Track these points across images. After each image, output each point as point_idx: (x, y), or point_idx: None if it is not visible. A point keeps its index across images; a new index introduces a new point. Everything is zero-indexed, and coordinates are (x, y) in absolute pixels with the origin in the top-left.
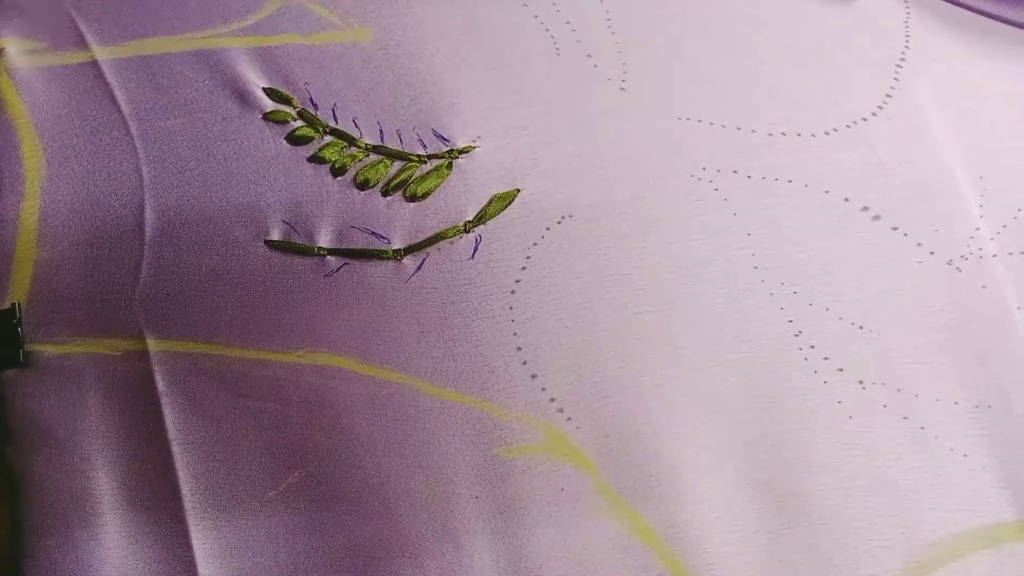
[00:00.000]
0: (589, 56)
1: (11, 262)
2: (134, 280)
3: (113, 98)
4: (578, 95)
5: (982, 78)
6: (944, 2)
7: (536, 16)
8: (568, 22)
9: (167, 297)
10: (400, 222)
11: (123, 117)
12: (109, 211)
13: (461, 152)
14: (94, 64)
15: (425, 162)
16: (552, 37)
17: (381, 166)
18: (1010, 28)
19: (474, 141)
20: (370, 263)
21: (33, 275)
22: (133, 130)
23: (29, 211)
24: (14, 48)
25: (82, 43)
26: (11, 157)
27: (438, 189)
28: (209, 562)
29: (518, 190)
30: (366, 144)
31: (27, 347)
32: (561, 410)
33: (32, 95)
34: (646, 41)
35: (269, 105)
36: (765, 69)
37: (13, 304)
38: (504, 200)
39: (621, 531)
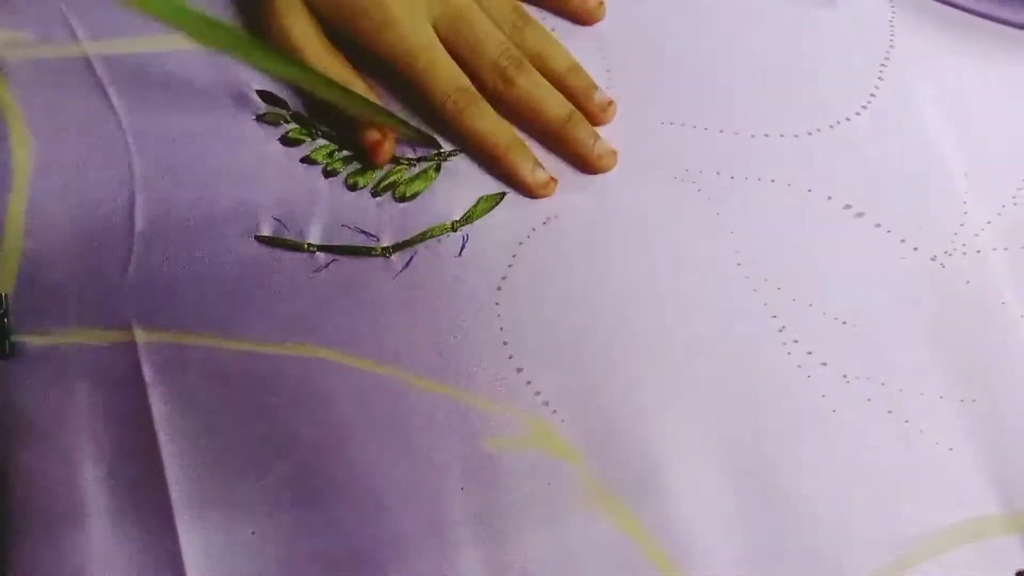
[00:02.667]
0: None
1: None
2: (122, 272)
3: (105, 93)
4: None
5: (967, 76)
6: (930, 0)
7: None
8: (553, 29)
9: (155, 289)
10: (389, 221)
11: (115, 111)
12: (98, 203)
13: (450, 155)
14: (85, 59)
15: (414, 164)
16: None
17: (371, 170)
18: (996, 25)
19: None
20: (359, 259)
21: (20, 266)
22: (124, 124)
23: (17, 202)
24: (2, 40)
25: (73, 37)
26: None
27: (426, 190)
28: (195, 551)
29: (504, 192)
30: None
31: (13, 338)
32: (547, 403)
33: (21, 86)
34: (630, 45)
35: (262, 107)
36: (749, 71)
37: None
38: (491, 201)
39: (606, 523)
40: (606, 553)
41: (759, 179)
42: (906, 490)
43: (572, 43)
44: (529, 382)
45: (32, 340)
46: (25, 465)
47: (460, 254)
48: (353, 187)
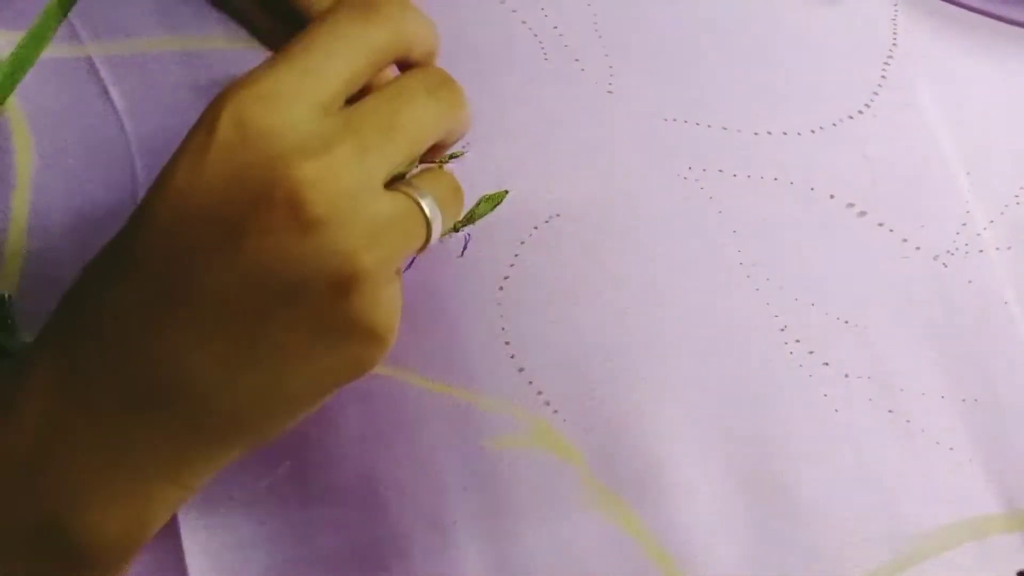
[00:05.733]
0: (576, 60)
1: (0, 253)
2: None
3: (107, 93)
4: (566, 98)
5: (970, 74)
6: None
7: (524, 22)
8: (556, 27)
9: None
10: None
11: (117, 113)
12: (101, 204)
13: (451, 157)
14: (88, 59)
15: (416, 164)
16: (540, 42)
17: None
18: (999, 24)
19: (463, 147)
20: None
21: (23, 267)
22: (127, 126)
23: (20, 202)
24: (4, 39)
25: (75, 37)
26: (1, 147)
27: None
28: (197, 550)
29: (506, 191)
30: None
31: (17, 338)
32: (548, 403)
33: (22, 86)
34: (632, 43)
35: None
36: (751, 69)
37: (2, 296)
38: (493, 201)
39: (608, 523)
40: (608, 553)
41: (761, 177)
42: (907, 489)
43: (573, 40)
44: (531, 382)
45: None
46: None
47: (462, 254)
48: None
